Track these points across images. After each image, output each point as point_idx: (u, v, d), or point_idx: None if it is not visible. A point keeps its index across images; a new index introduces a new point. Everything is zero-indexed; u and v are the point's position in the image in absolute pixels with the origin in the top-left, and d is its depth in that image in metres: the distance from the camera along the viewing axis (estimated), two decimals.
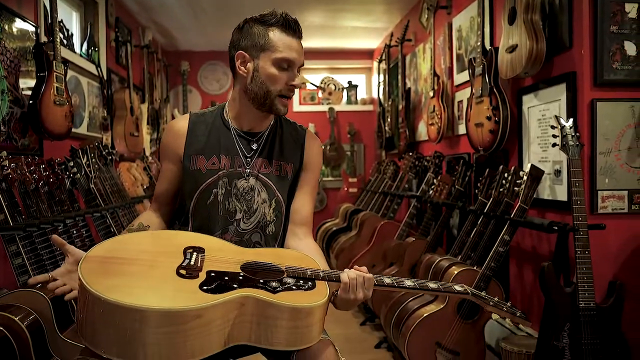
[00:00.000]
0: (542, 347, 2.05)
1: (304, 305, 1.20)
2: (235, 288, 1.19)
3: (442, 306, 2.39)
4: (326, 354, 1.26)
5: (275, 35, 1.46)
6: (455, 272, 2.40)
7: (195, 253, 1.31)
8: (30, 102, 2.68)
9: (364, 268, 1.37)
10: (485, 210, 2.60)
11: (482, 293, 1.48)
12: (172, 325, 1.08)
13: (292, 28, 1.48)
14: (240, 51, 1.50)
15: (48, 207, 2.40)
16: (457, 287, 1.44)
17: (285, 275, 1.29)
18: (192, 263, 1.26)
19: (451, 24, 3.76)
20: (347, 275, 1.32)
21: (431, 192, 3.33)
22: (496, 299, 1.50)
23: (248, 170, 1.54)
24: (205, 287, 1.17)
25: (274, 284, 1.24)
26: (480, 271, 2.36)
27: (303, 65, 1.53)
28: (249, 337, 1.20)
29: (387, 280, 1.38)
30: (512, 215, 2.36)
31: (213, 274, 1.23)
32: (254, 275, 1.28)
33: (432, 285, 1.42)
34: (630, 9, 2.24)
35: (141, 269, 1.21)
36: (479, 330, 2.41)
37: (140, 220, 1.58)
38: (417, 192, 3.66)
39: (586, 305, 1.97)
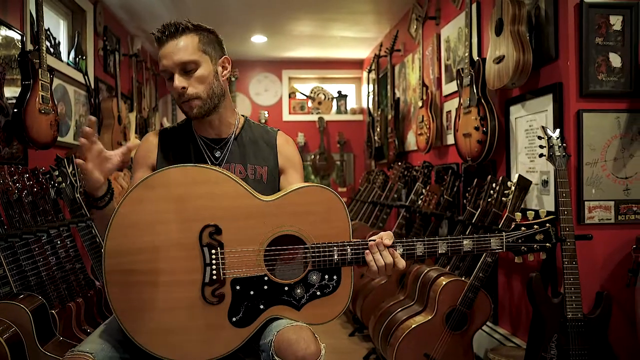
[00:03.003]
0: (531, 358, 2.04)
1: (325, 321, 1.31)
2: (261, 311, 1.28)
3: (430, 317, 2.38)
4: (305, 340, 1.24)
5: (158, 50, 1.47)
6: (444, 283, 2.39)
7: (213, 249, 1.27)
8: (15, 110, 2.64)
9: (388, 235, 1.32)
10: (473, 221, 2.60)
11: (517, 235, 1.40)
12: None
13: (160, 37, 1.44)
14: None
15: (31, 217, 2.36)
16: (494, 244, 1.38)
17: (310, 268, 1.30)
18: (214, 273, 1.26)
19: (439, 34, 3.78)
20: (375, 265, 1.29)
21: (420, 202, 3.33)
22: (535, 227, 1.42)
23: None
24: (234, 319, 1.26)
25: (298, 290, 1.30)
26: (468, 282, 2.36)
27: (184, 62, 1.43)
28: None
29: (419, 252, 1.33)
30: (500, 226, 2.36)
31: (238, 288, 1.27)
32: (277, 262, 1.33)
33: (467, 245, 1.34)
34: (615, 21, 2.26)
35: (164, 293, 1.24)
36: (467, 341, 2.39)
37: None
38: (406, 202, 3.66)
39: (574, 316, 1.97)
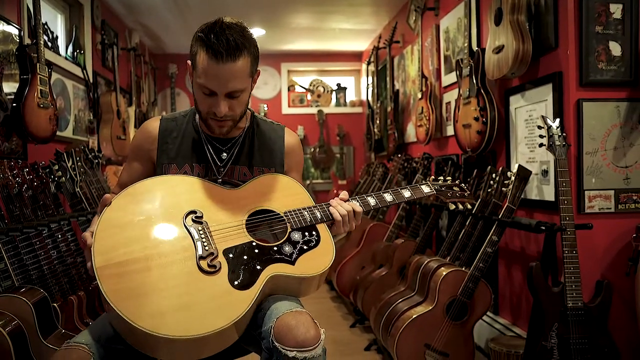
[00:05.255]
0: (531, 347, 2.05)
1: (321, 270, 1.37)
2: (259, 271, 1.32)
3: (431, 307, 2.39)
4: (305, 325, 1.24)
5: (201, 58, 1.35)
6: (444, 273, 2.40)
7: (198, 226, 1.34)
8: (14, 105, 2.64)
9: (345, 193, 1.52)
10: (473, 211, 2.60)
11: (440, 182, 1.71)
12: (224, 334, 1.23)
13: (217, 54, 1.32)
14: (189, 60, 1.45)
15: (32, 212, 2.36)
16: (426, 189, 1.65)
17: (290, 229, 1.42)
18: (205, 245, 1.30)
19: (438, 25, 3.77)
20: (338, 213, 1.47)
21: None
22: (448, 181, 1.72)
23: (220, 180, 1.52)
24: (236, 283, 1.27)
25: (287, 248, 1.38)
26: (469, 272, 2.36)
27: (235, 90, 1.38)
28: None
29: (372, 202, 1.56)
30: (500, 216, 2.36)
31: (231, 255, 1.32)
32: (259, 229, 1.43)
33: (406, 194, 1.60)
34: (615, 10, 2.25)
35: (161, 275, 1.24)
36: (468, 331, 2.40)
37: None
38: None
39: (574, 305, 1.98)
